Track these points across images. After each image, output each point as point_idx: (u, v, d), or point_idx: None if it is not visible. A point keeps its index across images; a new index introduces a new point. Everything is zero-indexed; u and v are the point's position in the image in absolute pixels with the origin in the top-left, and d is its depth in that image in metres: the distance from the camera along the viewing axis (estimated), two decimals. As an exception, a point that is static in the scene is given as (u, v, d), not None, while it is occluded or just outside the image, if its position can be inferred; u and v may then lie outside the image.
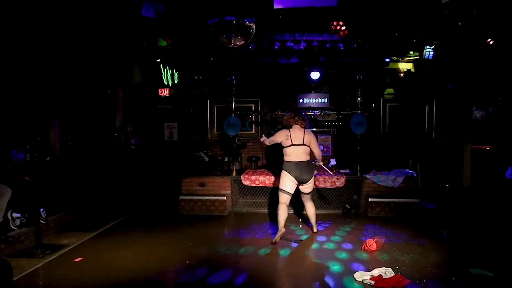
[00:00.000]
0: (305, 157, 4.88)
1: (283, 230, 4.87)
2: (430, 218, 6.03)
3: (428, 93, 8.82)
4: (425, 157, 7.81)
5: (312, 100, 9.22)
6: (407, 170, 6.79)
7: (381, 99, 9.09)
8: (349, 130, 6.93)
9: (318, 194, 6.51)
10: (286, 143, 4.89)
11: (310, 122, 9.06)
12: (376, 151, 8.66)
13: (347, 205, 6.41)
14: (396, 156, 8.22)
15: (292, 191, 4.90)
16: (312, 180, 4.98)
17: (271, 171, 6.78)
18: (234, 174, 6.79)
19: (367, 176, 6.49)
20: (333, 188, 6.45)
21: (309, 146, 4.91)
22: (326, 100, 9.21)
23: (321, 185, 6.39)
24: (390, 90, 8.24)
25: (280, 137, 4.95)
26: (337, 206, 6.50)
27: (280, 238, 4.88)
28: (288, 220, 5.95)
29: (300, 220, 5.94)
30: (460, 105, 8.10)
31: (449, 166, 7.81)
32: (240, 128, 6.99)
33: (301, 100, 9.25)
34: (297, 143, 4.85)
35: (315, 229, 5.27)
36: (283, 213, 4.84)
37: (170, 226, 5.72)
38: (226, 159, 8.92)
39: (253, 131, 9.62)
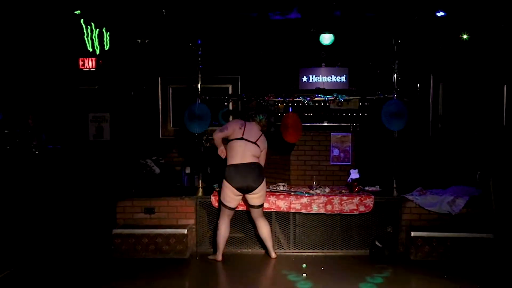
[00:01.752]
0: (252, 159, 5.91)
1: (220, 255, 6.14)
2: None
3: (508, 65, 8.74)
4: (503, 167, 7.73)
5: (323, 79, 9.27)
6: (473, 187, 6.74)
7: (431, 75, 8.99)
8: (380, 125, 6.88)
9: (333, 225, 6.47)
10: (235, 135, 5.94)
11: (320, 113, 8.95)
12: (423, 158, 8.66)
13: (377, 242, 6.30)
14: (454, 165, 8.20)
15: (234, 206, 6.04)
16: (261, 188, 5.91)
17: None
18: (200, 193, 6.72)
19: (409, 196, 6.45)
20: (355, 215, 6.41)
21: (260, 150, 6.00)
22: (343, 79, 9.22)
23: (336, 210, 6.37)
24: (465, 36, 8.12)
25: (231, 127, 6.01)
26: (361, 243, 6.45)
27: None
28: (284, 263, 5.92)
29: (305, 265, 5.84)
30: None
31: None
32: (210, 122, 6.94)
33: (305, 78, 9.28)
34: (249, 139, 5.92)
35: (273, 255, 6.19)
36: (223, 230, 6.07)
37: (94, 283, 5.50)
38: (188, 170, 8.85)
39: None
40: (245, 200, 6.06)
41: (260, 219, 6.08)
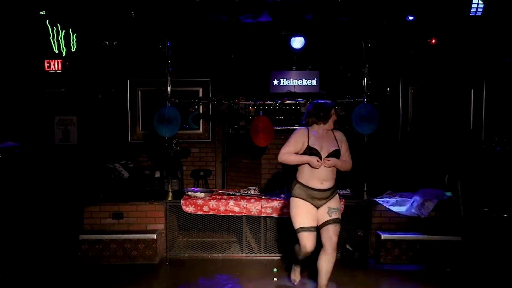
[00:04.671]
0: None
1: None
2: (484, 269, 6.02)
3: (475, 70, 8.93)
4: (470, 171, 7.87)
5: (294, 82, 9.29)
6: (442, 191, 6.81)
7: (401, 79, 9.13)
8: (351, 129, 6.92)
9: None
10: None
11: (291, 117, 9.02)
12: (393, 161, 8.74)
13: (347, 246, 6.40)
14: (424, 168, 8.29)
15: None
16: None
17: (229, 191, 6.85)
18: (170, 197, 6.71)
19: (379, 200, 6.54)
20: (326, 220, 6.39)
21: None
22: (314, 82, 9.28)
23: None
24: (434, 40, 8.21)
25: None
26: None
27: None
28: (255, 267, 5.94)
29: (275, 270, 5.87)
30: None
31: (510, 185, 7.88)
32: (179, 125, 6.91)
33: (276, 82, 9.32)
34: None
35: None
36: None
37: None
38: (157, 175, 8.88)
39: (201, 130, 9.65)
40: None
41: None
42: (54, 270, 6.04)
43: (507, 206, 7.66)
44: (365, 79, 6.79)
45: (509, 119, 8.67)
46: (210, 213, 6.41)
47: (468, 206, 7.16)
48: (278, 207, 6.34)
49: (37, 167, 8.45)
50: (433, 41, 8.27)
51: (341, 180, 7.39)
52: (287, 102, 7.89)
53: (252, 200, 6.39)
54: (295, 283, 5.39)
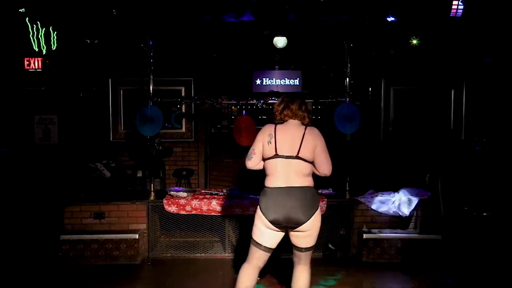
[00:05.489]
0: (300, 180, 4.03)
1: None
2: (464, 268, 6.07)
3: (456, 71, 9.03)
4: (451, 170, 7.95)
5: (276, 81, 9.33)
6: (422, 189, 6.87)
7: (383, 79, 9.20)
8: (333, 128, 6.90)
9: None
10: (267, 151, 4.10)
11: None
12: (375, 161, 8.78)
13: (330, 245, 6.40)
14: (405, 168, 8.33)
15: (272, 245, 4.14)
16: (312, 223, 4.02)
17: (211, 190, 6.78)
18: (152, 197, 6.64)
19: (361, 199, 6.54)
20: (309, 219, 6.40)
21: (306, 161, 4.05)
22: (297, 82, 9.32)
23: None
24: (415, 41, 8.25)
25: (261, 139, 4.18)
26: (314, 246, 6.44)
27: None
28: (237, 267, 5.82)
29: (259, 278, 5.79)
30: (508, 90, 8.31)
31: (489, 184, 7.97)
32: (162, 125, 6.88)
33: (258, 81, 9.38)
34: (286, 154, 4.02)
35: None
36: (245, 277, 4.18)
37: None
38: (139, 174, 8.84)
39: (184, 129, 9.63)
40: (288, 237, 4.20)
41: (302, 267, 4.24)
42: (34, 270, 5.98)
43: (487, 205, 7.76)
44: (347, 78, 6.81)
45: (488, 119, 8.78)
46: (192, 212, 6.36)
47: (448, 205, 7.24)
48: (261, 206, 6.34)
49: (16, 167, 8.37)
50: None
51: (324, 179, 7.45)
52: (269, 101, 7.92)
53: (236, 200, 6.37)
54: None
